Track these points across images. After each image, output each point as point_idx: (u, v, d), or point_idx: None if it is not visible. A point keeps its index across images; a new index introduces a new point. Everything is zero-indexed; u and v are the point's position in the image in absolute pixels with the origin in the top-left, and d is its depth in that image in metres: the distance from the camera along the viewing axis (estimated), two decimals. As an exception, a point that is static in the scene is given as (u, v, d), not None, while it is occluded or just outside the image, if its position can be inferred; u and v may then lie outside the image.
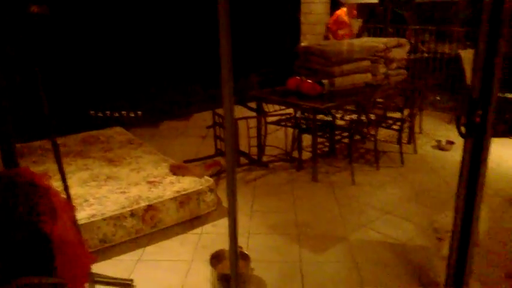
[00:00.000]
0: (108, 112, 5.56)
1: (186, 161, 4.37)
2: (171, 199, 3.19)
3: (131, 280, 2.61)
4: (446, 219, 2.52)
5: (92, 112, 5.48)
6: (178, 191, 3.26)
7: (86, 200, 3.11)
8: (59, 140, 4.45)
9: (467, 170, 2.11)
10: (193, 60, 6.20)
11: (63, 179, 2.25)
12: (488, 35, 1.94)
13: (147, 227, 3.09)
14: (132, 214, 3.01)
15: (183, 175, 3.52)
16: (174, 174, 3.55)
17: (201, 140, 5.26)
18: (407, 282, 2.60)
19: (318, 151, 4.48)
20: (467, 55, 5.57)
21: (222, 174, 4.15)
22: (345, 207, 3.56)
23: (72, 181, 3.43)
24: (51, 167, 3.74)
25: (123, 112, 5.61)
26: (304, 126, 4.49)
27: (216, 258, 2.65)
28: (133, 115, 5.66)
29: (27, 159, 3.90)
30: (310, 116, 4.19)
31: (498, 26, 1.89)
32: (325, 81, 4.21)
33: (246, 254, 2.70)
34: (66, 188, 2.25)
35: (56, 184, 1.70)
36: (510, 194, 3.77)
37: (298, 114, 4.63)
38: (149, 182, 3.40)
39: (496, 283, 2.57)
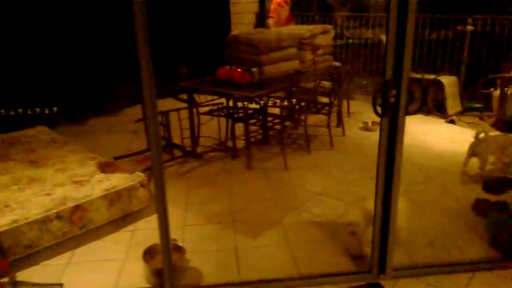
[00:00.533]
0: (29, 111, 5.23)
1: (116, 158, 4.22)
2: (100, 197, 3.07)
3: (60, 284, 2.49)
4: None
5: (11, 112, 5.13)
6: (107, 189, 3.14)
7: (7, 205, 2.91)
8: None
9: (385, 146, 2.23)
10: (119, 54, 5.97)
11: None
12: (398, 19, 2.05)
13: (75, 228, 2.96)
14: (59, 216, 2.86)
15: (113, 172, 3.41)
16: (103, 171, 3.42)
17: (132, 135, 5.11)
18: (338, 256, 2.71)
19: (252, 139, 4.52)
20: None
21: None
22: (278, 191, 3.64)
23: (-11, 186, 3.21)
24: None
25: (46, 110, 5.29)
26: (237, 115, 4.51)
27: (149, 254, 2.60)
28: (57, 113, 5.36)
29: None
30: (242, 104, 4.21)
31: (406, 9, 2.01)
32: (254, 69, 4.24)
33: (181, 247, 2.67)
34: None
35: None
36: (426, 166, 4.04)
37: (231, 104, 4.64)
38: (76, 182, 3.24)
39: (418, 250, 2.75)
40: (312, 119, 4.89)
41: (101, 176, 3.35)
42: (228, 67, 4.32)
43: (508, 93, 5.03)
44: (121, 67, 5.88)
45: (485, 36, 5.93)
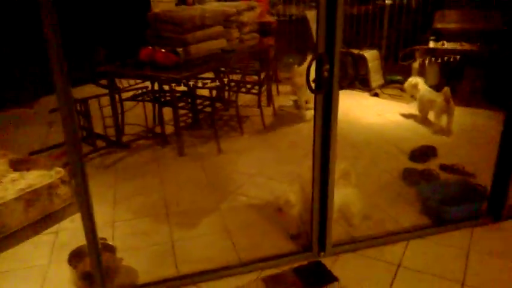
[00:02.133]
0: None
1: (31, 153, 3.84)
2: (15, 199, 2.75)
3: (-27, 303, 2.20)
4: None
5: None
6: (23, 189, 2.82)
7: None
8: None
9: (321, 122, 2.18)
10: (30, 38, 5.39)
11: None
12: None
13: (-13, 236, 2.63)
14: (-35, 225, 2.52)
15: (28, 170, 3.07)
16: (16, 170, 3.07)
17: (47, 127, 4.68)
18: (277, 238, 2.67)
19: (182, 123, 4.33)
20: (312, 15, 5.87)
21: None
22: (213, 177, 3.51)
23: None
24: None
25: None
26: (164, 99, 4.28)
27: (76, 256, 2.37)
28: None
29: None
30: (168, 87, 3.98)
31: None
32: (179, 49, 4.01)
33: (111, 245, 2.47)
34: None
35: None
36: (355, 140, 4.14)
37: (156, 87, 4.39)
38: (-16, 184, 2.88)
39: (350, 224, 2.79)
40: (243, 99, 4.80)
41: (15, 175, 3.00)
42: (150, 47, 4.05)
43: (426, 64, 5.28)
44: (32, 52, 5.34)
45: (403, 9, 6.16)
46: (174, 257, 2.53)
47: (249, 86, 4.68)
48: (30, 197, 2.83)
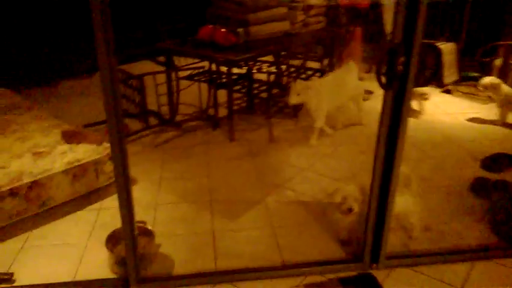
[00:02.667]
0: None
1: (86, 125, 3.86)
2: (62, 172, 2.73)
3: (10, 274, 2.19)
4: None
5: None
6: (70, 162, 2.80)
7: (-47, 180, 2.56)
8: None
9: (388, 122, 1.92)
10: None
11: None
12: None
13: (32, 206, 2.63)
14: (13, 193, 2.53)
15: (78, 143, 3.05)
16: (67, 142, 3.06)
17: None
18: (325, 241, 2.45)
19: (236, 107, 4.18)
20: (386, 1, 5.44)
21: (129, 138, 3.72)
22: (262, 166, 3.34)
23: None
24: None
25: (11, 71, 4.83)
26: (220, 81, 4.13)
27: (114, 239, 2.30)
28: (23, 74, 4.91)
29: None
30: (225, 69, 3.82)
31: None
32: (240, 30, 3.83)
33: (150, 230, 2.38)
34: None
35: None
36: (420, 140, 3.77)
37: (213, 68, 4.25)
38: (35, 154, 2.89)
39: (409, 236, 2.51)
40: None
41: (65, 147, 2.99)
42: (211, 26, 3.90)
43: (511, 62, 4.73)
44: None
45: (488, -1, 5.55)
46: (213, 249, 2.39)
47: (309, 72, 4.42)
48: (76, 172, 2.80)
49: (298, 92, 3.55)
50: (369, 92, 4.72)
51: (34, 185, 2.61)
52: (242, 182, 3.11)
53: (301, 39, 4.36)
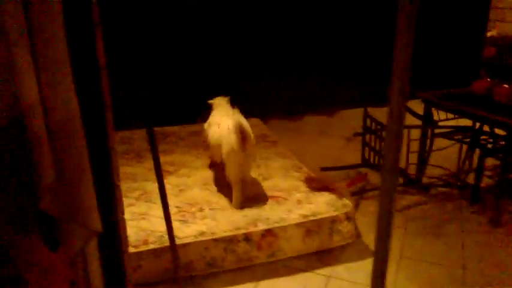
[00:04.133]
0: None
1: (323, 169, 3.66)
2: (296, 225, 2.53)
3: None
4: None
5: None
6: (306, 215, 2.58)
7: (201, 209, 2.65)
8: (194, 128, 4.11)
9: None
10: (349, 52, 5.31)
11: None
12: None
13: (262, 254, 2.50)
14: (247, 238, 2.44)
15: (319, 190, 2.83)
16: (310, 187, 2.87)
17: (345, 142, 4.46)
18: None
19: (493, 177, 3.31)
20: None
21: (366, 194, 3.34)
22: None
23: (193, 180, 3.04)
24: (178, 158, 3.43)
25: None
26: (486, 144, 3.34)
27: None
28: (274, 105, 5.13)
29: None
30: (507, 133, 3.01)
31: None
32: (530, 86, 3.00)
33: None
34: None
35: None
36: None
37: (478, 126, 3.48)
38: (273, 197, 2.79)
39: None
40: None
41: (301, 195, 2.81)
42: (489, 80, 3.19)
43: None
44: (347, 65, 5.27)
45: None
46: None
47: None
48: (311, 227, 2.56)
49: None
50: None
51: (268, 233, 2.47)
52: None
53: None
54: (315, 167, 3.68)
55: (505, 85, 3.06)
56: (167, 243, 2.26)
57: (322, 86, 5.36)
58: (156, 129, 3.95)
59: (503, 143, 3.17)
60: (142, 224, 2.49)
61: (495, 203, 2.99)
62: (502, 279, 2.41)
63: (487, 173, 3.49)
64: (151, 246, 2.31)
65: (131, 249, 2.27)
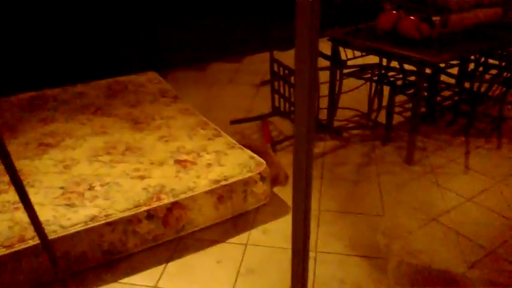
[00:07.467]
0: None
1: (233, 121, 3.37)
2: (207, 192, 2.23)
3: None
4: None
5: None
6: (217, 180, 2.29)
7: (91, 187, 2.23)
8: (78, 88, 3.56)
9: None
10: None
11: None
12: None
13: (170, 231, 2.19)
14: (150, 216, 2.10)
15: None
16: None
17: (255, 89, 4.18)
18: None
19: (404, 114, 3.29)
20: None
21: (278, 146, 3.13)
22: (458, 213, 2.43)
23: (80, 152, 2.57)
24: (61, 127, 2.91)
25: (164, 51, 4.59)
26: (391, 81, 3.26)
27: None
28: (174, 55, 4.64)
29: (35, 115, 3.06)
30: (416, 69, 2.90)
31: None
32: (436, 18, 2.89)
33: None
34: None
35: None
36: None
37: (384, 63, 3.38)
38: (179, 162, 2.44)
39: None
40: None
41: (210, 156, 2.49)
42: (395, 12, 3.03)
43: None
44: (252, 8, 4.88)
45: None
46: None
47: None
48: (223, 193, 2.28)
49: None
50: None
51: (174, 206, 2.16)
52: (430, 233, 2.27)
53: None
54: (225, 120, 3.38)
55: (411, 17, 2.92)
56: (53, 235, 1.88)
57: (226, 31, 4.95)
58: (31, 94, 3.39)
59: (413, 78, 3.09)
60: (16, 215, 2.03)
61: (408, 140, 2.94)
62: (420, 219, 2.37)
63: (397, 109, 3.46)
64: (31, 243, 1.89)
65: (2, 251, 1.84)
